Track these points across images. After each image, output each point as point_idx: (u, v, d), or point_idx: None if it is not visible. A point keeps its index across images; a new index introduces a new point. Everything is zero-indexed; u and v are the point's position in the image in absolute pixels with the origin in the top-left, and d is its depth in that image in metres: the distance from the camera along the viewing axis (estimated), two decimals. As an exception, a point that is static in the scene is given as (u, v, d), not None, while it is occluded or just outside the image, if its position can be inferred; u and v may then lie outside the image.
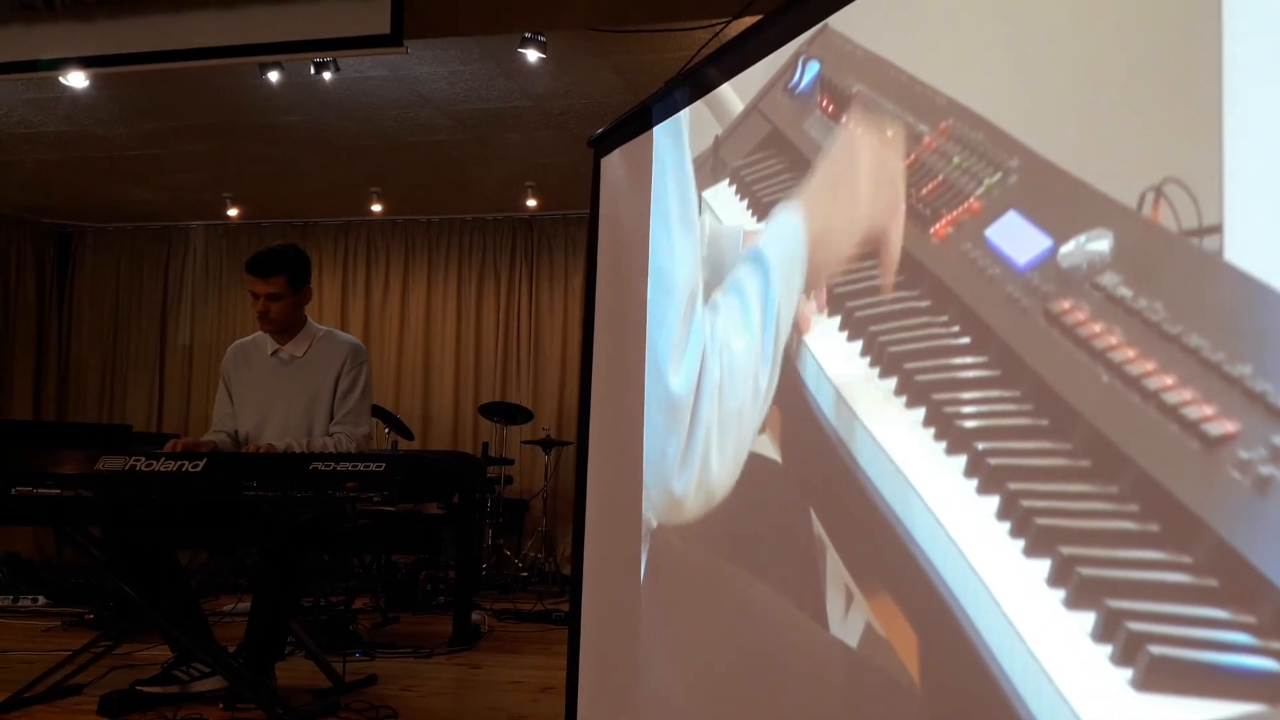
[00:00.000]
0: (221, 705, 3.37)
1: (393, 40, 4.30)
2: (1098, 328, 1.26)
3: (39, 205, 8.50)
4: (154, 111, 6.31)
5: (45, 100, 6.10)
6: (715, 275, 2.19)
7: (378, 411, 6.53)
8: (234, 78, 5.66)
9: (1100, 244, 1.28)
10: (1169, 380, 1.17)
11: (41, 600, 6.00)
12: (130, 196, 8.16)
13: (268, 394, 3.82)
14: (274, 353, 3.86)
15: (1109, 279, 1.26)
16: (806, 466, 1.83)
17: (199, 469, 3.21)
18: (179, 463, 3.24)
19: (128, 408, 8.77)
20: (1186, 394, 1.15)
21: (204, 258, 8.91)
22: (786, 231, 1.92)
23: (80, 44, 4.54)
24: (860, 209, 1.74)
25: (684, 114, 2.41)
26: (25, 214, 8.65)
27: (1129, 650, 1.19)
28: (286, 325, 3.82)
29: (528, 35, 4.91)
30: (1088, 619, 1.24)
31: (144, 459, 3.29)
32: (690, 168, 2.36)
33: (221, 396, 3.93)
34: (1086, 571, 1.26)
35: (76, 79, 5.13)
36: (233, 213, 8.41)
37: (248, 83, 5.70)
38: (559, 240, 8.34)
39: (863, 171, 1.74)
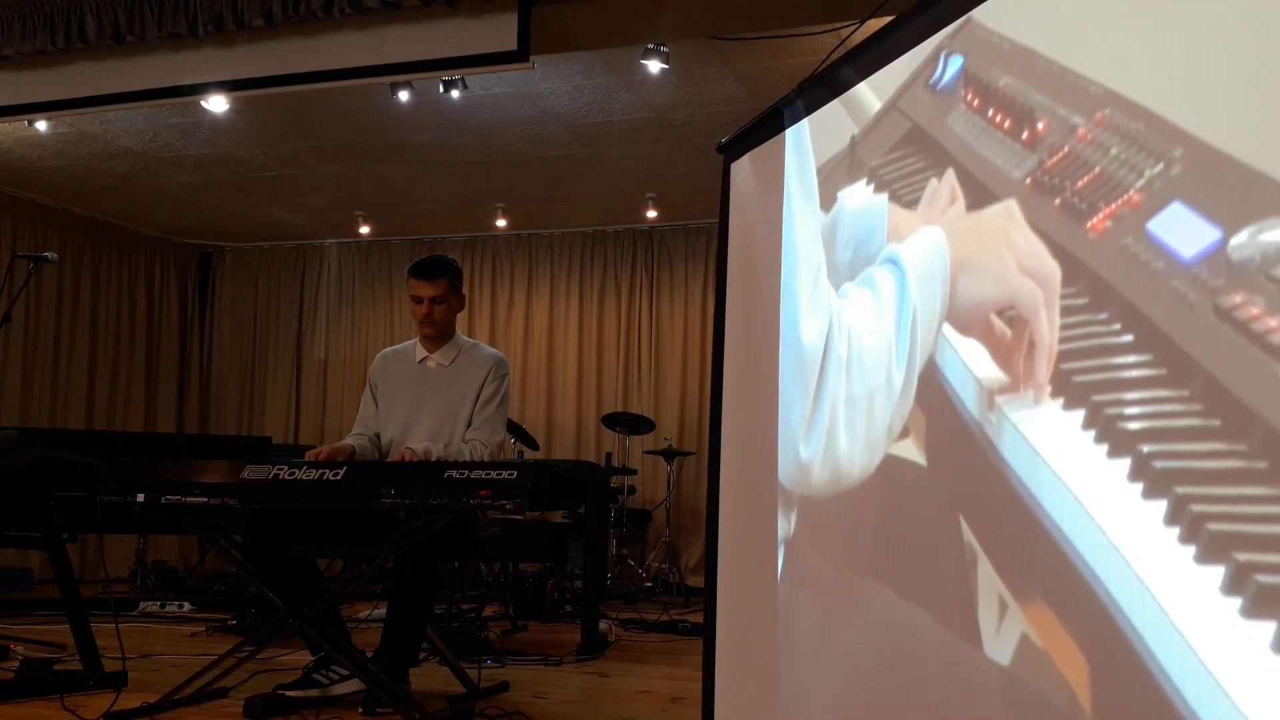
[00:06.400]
0: (360, 710, 3.43)
1: (520, 56, 4.37)
2: (1274, 322, 1.20)
3: (181, 227, 8.87)
4: (290, 133, 6.53)
5: (187, 125, 6.37)
6: (858, 253, 2.15)
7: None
8: (366, 98, 5.82)
9: (1276, 234, 1.21)
10: (1357, 376, 1.10)
11: (187, 606, 6.23)
12: (267, 216, 8.46)
13: (413, 402, 3.90)
14: (421, 360, 3.94)
15: (1286, 270, 1.19)
16: (954, 471, 1.78)
17: (339, 477, 3.29)
18: (320, 471, 3.32)
19: (266, 421, 9.08)
20: (1378, 390, 1.08)
21: (337, 274, 9.17)
22: (931, 246, 1.87)
23: (221, 69, 4.74)
24: (1007, 278, 1.69)
25: (808, 117, 2.39)
26: (169, 235, 9.04)
27: (1316, 662, 1.12)
28: (445, 331, 3.91)
29: (650, 47, 4.93)
30: (1268, 628, 1.18)
31: (287, 468, 3.38)
32: (811, 149, 2.35)
33: (367, 400, 4.03)
34: (1265, 579, 1.19)
35: (218, 103, 5.34)
36: (364, 230, 8.65)
37: (378, 103, 5.86)
38: (679, 251, 8.35)
39: (1015, 249, 1.68)
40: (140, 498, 3.45)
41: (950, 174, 1.82)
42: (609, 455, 7.59)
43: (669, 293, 8.37)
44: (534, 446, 7.15)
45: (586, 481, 5.06)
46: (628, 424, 7.60)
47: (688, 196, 7.51)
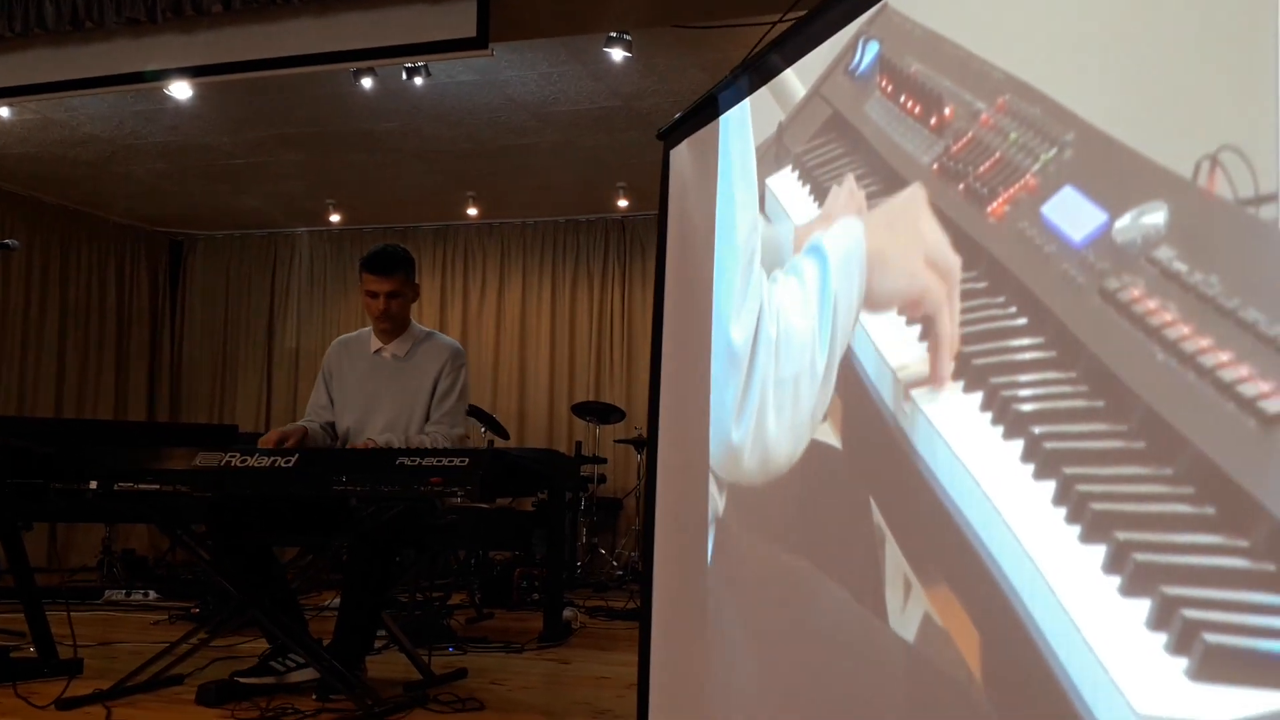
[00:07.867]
0: (315, 696, 3.44)
1: (479, 43, 4.36)
2: (1153, 304, 1.21)
3: (151, 214, 8.83)
4: (256, 121, 6.50)
5: (152, 111, 6.34)
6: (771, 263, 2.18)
7: (474, 411, 6.62)
8: (331, 86, 5.81)
9: (1155, 217, 1.23)
10: (1225, 357, 1.12)
11: (152, 595, 6.23)
12: (237, 204, 8.43)
13: (369, 394, 3.89)
14: (376, 351, 3.93)
15: (1164, 253, 1.21)
16: (866, 454, 1.80)
17: (291, 464, 3.29)
18: (272, 459, 3.33)
19: (237, 409, 9.06)
20: (1243, 370, 1.10)
21: (308, 263, 9.15)
22: (850, 236, 1.91)
23: (183, 55, 4.72)
24: (916, 272, 1.72)
25: (748, 99, 2.41)
26: (139, 223, 9.00)
27: (1185, 638, 1.14)
28: (401, 324, 3.90)
29: (612, 35, 4.93)
30: (1143, 606, 1.20)
31: (239, 455, 3.38)
32: (751, 136, 2.37)
33: (319, 389, 4.02)
34: (1142, 557, 1.21)
35: (181, 89, 5.32)
36: (335, 219, 8.63)
37: (344, 90, 5.84)
38: (651, 240, 8.35)
39: (924, 239, 1.71)
40: (93, 485, 3.45)
41: (850, 180, 1.85)
42: (579, 444, 7.60)
43: (641, 282, 8.37)
44: (504, 435, 7.16)
45: (546, 469, 5.07)
46: (598, 413, 7.61)
47: (658, 185, 7.50)
